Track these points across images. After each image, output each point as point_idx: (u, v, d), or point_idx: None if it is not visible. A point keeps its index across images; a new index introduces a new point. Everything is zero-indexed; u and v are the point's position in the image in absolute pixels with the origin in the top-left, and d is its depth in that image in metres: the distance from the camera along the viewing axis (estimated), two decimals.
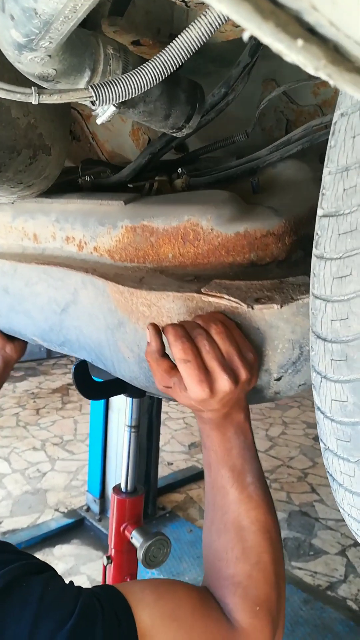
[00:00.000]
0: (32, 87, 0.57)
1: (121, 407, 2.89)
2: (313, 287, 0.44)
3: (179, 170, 1.00)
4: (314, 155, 1.08)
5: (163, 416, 4.10)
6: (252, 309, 0.64)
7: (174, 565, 2.61)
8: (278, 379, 0.71)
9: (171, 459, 3.71)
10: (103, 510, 2.95)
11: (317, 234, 0.44)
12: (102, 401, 2.96)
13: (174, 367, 0.70)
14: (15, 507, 3.05)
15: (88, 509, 3.01)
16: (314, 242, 0.44)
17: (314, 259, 0.44)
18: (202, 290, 0.69)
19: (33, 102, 0.57)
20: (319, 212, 0.44)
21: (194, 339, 0.67)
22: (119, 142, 1.68)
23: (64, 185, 1.20)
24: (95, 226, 0.89)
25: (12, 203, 1.09)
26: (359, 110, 0.38)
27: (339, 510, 0.61)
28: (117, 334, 0.84)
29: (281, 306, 0.60)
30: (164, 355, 0.71)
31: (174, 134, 0.79)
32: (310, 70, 0.23)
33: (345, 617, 2.30)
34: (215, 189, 1.01)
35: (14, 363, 1.37)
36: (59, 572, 0.68)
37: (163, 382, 0.72)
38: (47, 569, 0.67)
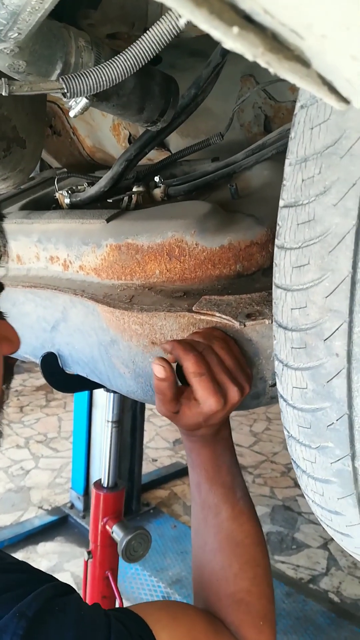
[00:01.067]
0: (2, 79, 0.57)
1: (105, 403, 2.88)
2: (275, 277, 0.45)
3: (156, 179, 1.00)
4: None
5: (147, 413, 4.10)
6: (245, 326, 0.65)
7: (158, 560, 2.62)
8: (273, 385, 0.72)
9: (155, 455, 3.71)
10: (87, 507, 2.95)
11: (278, 224, 0.45)
12: (86, 398, 2.95)
13: (180, 391, 0.71)
14: None
15: (72, 506, 3.00)
16: (276, 233, 0.45)
17: (275, 249, 0.45)
18: (194, 308, 0.70)
19: (2, 93, 0.57)
20: (280, 202, 0.45)
21: (203, 353, 0.68)
22: (99, 137, 1.67)
23: (41, 201, 1.19)
24: (79, 245, 0.89)
25: None
26: (317, 102, 0.39)
27: None
28: (111, 350, 0.85)
29: (272, 321, 0.61)
30: (174, 383, 0.71)
31: (149, 127, 0.80)
32: (249, 57, 0.23)
33: (326, 609, 2.33)
34: (194, 197, 1.02)
35: None
36: (43, 569, 0.66)
37: (170, 409, 0.72)
38: (71, 590, 0.65)
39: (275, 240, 0.45)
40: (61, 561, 2.60)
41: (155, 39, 0.60)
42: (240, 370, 0.69)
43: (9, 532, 2.75)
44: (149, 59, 0.62)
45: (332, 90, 0.28)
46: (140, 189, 0.99)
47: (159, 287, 0.81)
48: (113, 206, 1.00)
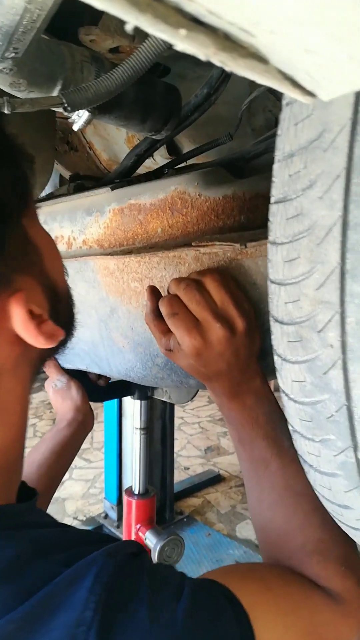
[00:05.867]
0: (4, 97, 0.59)
1: (135, 412, 2.90)
2: (269, 272, 0.46)
3: (165, 171, 1.01)
4: None
5: (178, 421, 4.10)
6: (246, 247, 0.62)
7: (193, 569, 2.60)
8: None
9: (188, 463, 3.71)
10: (121, 517, 2.95)
11: (270, 221, 0.45)
12: (116, 408, 2.97)
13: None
14: None
15: (106, 516, 3.02)
16: (268, 229, 0.46)
17: (268, 246, 0.46)
18: (193, 243, 0.68)
19: (6, 112, 0.60)
20: (271, 199, 0.45)
21: (182, 291, 0.65)
22: (114, 150, 1.71)
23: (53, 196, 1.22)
24: (83, 217, 0.87)
25: None
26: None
27: None
28: (110, 323, 0.83)
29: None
30: (160, 316, 0.68)
31: (154, 137, 0.81)
32: (202, 58, 0.24)
33: None
34: None
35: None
36: None
37: (163, 345, 0.69)
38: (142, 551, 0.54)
39: (268, 236, 0.46)
40: None
41: (151, 50, 0.62)
42: (234, 304, 0.64)
43: None
44: (146, 69, 0.63)
45: (295, 84, 0.29)
46: (150, 177, 1.00)
47: (161, 245, 0.78)
48: None
